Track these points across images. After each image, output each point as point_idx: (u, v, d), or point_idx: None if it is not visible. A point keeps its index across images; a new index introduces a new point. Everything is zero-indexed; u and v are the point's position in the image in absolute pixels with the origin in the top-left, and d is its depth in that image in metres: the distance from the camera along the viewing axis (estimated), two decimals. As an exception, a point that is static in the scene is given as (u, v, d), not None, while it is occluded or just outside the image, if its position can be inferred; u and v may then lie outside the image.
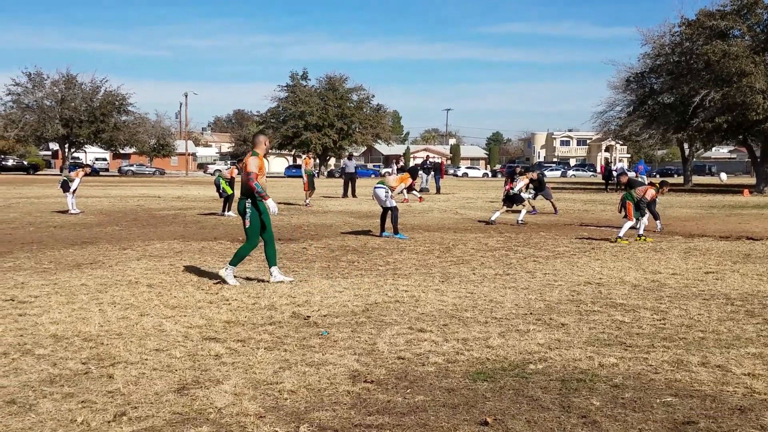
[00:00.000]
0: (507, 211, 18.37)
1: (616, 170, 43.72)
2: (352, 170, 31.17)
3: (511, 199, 17.81)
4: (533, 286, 8.83)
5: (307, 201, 23.94)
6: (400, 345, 5.98)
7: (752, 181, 45.05)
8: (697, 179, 60.23)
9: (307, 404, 4.55)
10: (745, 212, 22.31)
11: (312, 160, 24.93)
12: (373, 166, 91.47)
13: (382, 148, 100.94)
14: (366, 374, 5.17)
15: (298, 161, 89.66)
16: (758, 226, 17.03)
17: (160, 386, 4.88)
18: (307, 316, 7.02)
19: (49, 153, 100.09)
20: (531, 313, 7.23)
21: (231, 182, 19.84)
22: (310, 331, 6.45)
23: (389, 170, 17.68)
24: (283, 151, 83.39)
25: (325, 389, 4.84)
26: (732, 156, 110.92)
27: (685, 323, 6.73)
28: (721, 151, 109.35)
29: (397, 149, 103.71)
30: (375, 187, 14.64)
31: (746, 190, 36.86)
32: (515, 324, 6.74)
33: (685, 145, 53.10)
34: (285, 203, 24.91)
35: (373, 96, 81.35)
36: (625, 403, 4.57)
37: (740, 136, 42.15)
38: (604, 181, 43.42)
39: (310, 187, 24.31)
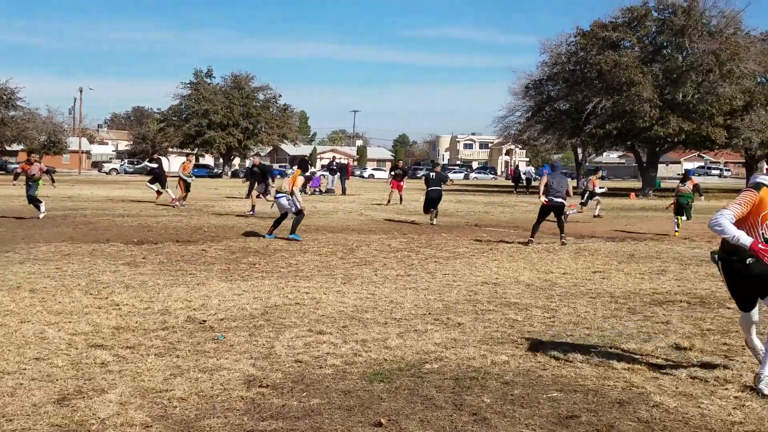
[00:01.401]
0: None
1: (524, 173, 45.15)
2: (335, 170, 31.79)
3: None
4: (433, 286, 8.97)
5: (179, 202, 22.83)
6: (299, 348, 5.96)
7: (638, 185, 47.30)
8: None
9: (197, 412, 4.45)
10: (631, 215, 23.44)
11: (191, 164, 23.96)
12: (279, 166, 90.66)
13: (289, 148, 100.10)
14: (261, 379, 5.11)
15: (202, 160, 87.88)
16: (642, 228, 17.92)
17: (39, 397, 4.65)
18: (203, 321, 6.87)
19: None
20: (429, 314, 7.34)
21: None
22: (206, 335, 6.32)
23: (291, 170, 17.35)
24: (186, 150, 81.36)
25: (218, 395, 4.75)
26: (621, 161, 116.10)
27: (572, 321, 7.02)
28: (611, 156, 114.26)
29: (303, 150, 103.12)
30: (276, 197, 14.45)
31: (632, 194, 38.68)
32: (414, 324, 6.83)
33: (579, 150, 55.32)
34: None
35: (280, 96, 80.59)
36: (514, 400, 4.71)
37: (628, 142, 44.24)
38: (513, 184, 44.80)
39: (186, 190, 23.32)
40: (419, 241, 14.26)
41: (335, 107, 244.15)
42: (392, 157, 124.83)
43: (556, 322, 6.99)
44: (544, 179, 14.01)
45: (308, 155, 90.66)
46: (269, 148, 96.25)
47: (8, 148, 77.83)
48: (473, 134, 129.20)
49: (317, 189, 33.46)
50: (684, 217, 16.83)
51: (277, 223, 14.39)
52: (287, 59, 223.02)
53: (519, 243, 13.98)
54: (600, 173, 22.31)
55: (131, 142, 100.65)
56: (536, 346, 6.07)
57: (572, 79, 42.06)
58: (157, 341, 6.10)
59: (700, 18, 38.16)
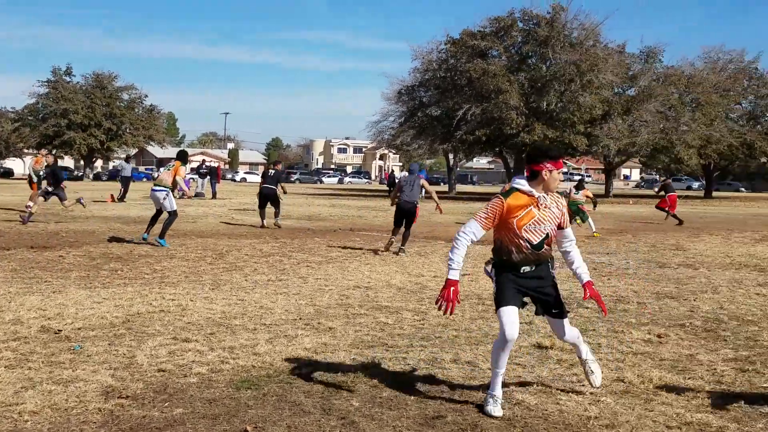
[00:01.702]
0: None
1: (399, 178, 45.86)
2: (129, 173, 30.18)
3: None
4: (305, 291, 8.92)
5: (30, 204, 20.87)
6: (162, 357, 5.75)
7: (507, 190, 49.16)
8: (460, 187, 64.67)
9: (50, 425, 4.20)
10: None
11: (44, 158, 21.51)
12: (146, 169, 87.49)
13: (156, 150, 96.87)
14: (121, 389, 4.89)
15: (61, 162, 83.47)
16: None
17: None
18: (58, 330, 6.50)
19: None
20: (300, 319, 7.29)
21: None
22: (61, 346, 5.98)
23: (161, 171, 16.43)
24: (43, 151, 76.97)
25: (73, 408, 4.50)
26: (491, 167, 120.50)
27: (441, 323, 7.16)
28: (481, 162, 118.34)
29: (171, 152, 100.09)
30: (153, 190, 13.80)
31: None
32: (284, 330, 6.75)
33: (450, 156, 56.87)
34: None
35: (146, 96, 77.87)
36: (383, 402, 4.75)
37: (497, 148, 45.92)
38: (388, 188, 45.50)
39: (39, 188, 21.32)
40: (291, 245, 14.16)
41: (205, 109, 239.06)
42: (265, 161, 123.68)
43: (426, 324, 7.11)
44: (399, 183, 13.53)
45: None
46: (135, 150, 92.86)
47: None
48: (347, 138, 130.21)
49: (200, 193, 32.63)
50: (579, 220, 18.15)
51: (153, 221, 13.76)
52: (154, 59, 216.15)
53: (379, 251, 13.29)
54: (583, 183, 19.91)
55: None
56: (406, 348, 6.14)
57: (443, 86, 43.19)
58: (8, 353, 5.70)
59: (562, 30, 40.15)
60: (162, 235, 13.28)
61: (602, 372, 5.21)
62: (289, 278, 9.93)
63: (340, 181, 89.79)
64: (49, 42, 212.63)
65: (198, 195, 32.81)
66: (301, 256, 12.37)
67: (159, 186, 13.68)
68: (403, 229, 13.11)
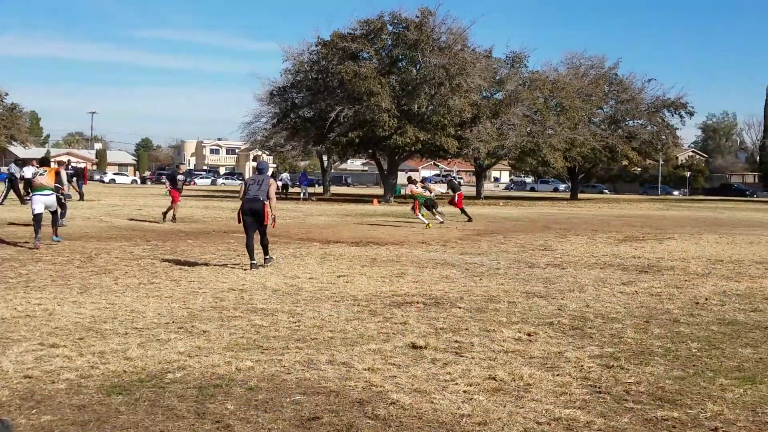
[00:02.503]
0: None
1: (281, 179, 45.80)
2: (29, 175, 28.81)
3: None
4: (177, 294, 8.83)
5: None
6: (29, 363, 5.60)
7: (381, 191, 49.83)
8: (335, 189, 65.00)
9: None
10: (373, 220, 24.73)
11: None
12: (7, 169, 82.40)
13: (18, 150, 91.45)
14: (-15, 398, 4.74)
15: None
16: (384, 233, 19.03)
17: None
18: None
19: None
20: (173, 322, 7.23)
21: None
22: None
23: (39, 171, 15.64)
24: None
25: (-67, 419, 4.33)
26: (365, 168, 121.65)
27: (317, 324, 7.30)
28: (355, 164, 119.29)
29: (35, 152, 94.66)
30: (41, 195, 13.81)
31: (375, 200, 40.79)
32: (156, 333, 6.69)
33: (324, 157, 56.99)
34: None
35: (7, 94, 73.68)
36: (258, 405, 4.83)
37: (370, 150, 46.45)
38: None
39: None
40: (164, 248, 13.89)
41: (70, 108, 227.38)
42: (135, 162, 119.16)
43: (302, 326, 7.22)
44: (243, 184, 11.93)
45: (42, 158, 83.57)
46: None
47: None
48: (219, 139, 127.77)
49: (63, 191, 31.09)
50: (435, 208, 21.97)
51: (39, 225, 13.68)
52: (13, 57, 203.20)
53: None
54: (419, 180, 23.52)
55: None
56: (281, 350, 6.23)
57: (315, 87, 43.21)
58: None
59: (431, 33, 41.04)
60: (56, 232, 14.35)
61: (472, 369, 5.49)
62: (162, 281, 9.79)
63: (213, 183, 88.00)
64: None
65: (65, 197, 31.32)
66: (173, 259, 12.17)
67: (46, 190, 13.91)
68: (258, 236, 11.52)
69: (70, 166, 32.58)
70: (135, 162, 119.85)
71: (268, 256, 11.64)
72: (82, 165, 43.11)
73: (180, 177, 21.44)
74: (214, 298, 8.64)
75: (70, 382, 5.16)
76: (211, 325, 7.14)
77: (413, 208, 21.64)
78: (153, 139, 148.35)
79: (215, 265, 11.67)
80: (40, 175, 14.23)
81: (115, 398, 4.86)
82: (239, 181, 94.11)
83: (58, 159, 37.26)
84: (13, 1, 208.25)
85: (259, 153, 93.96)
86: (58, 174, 14.47)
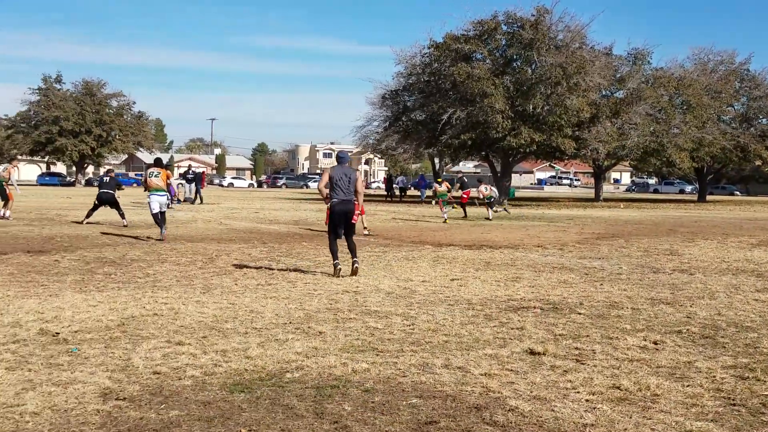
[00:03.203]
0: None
1: (398, 182, 46.33)
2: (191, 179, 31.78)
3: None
4: (294, 295, 9.02)
5: (5, 213, 20.55)
6: (157, 359, 5.85)
7: (494, 194, 49.27)
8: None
9: (51, 426, 4.31)
10: (487, 223, 24.47)
11: (15, 169, 21.83)
12: (135, 174, 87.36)
13: (144, 156, 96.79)
14: (118, 391, 5.00)
15: (52, 168, 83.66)
16: (498, 236, 18.79)
17: None
18: (56, 333, 6.60)
19: None
20: (290, 323, 7.39)
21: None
22: (59, 348, 6.08)
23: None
24: (36, 158, 76.88)
25: (73, 409, 4.61)
26: (477, 170, 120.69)
27: (431, 328, 7.27)
28: (467, 166, 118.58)
29: (160, 158, 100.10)
30: (157, 195, 15.63)
31: (489, 203, 40.28)
32: (274, 334, 6.86)
33: (436, 160, 56.98)
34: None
35: (134, 103, 78.19)
36: (375, 407, 4.86)
37: (483, 152, 46.00)
38: (386, 192, 46.17)
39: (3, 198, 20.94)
40: (280, 250, 14.26)
41: (192, 115, 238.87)
42: (252, 166, 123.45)
43: (416, 329, 7.21)
44: (325, 174, 10.92)
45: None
46: (124, 156, 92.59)
47: None
48: (332, 143, 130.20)
49: (176, 198, 32.56)
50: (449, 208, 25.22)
51: (161, 222, 15.67)
52: (142, 67, 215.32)
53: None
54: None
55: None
56: (396, 353, 6.24)
57: (427, 90, 43.22)
58: (8, 355, 5.81)
59: (547, 32, 40.16)
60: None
61: (595, 377, 5.31)
62: (278, 282, 10.04)
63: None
64: (37, 49, 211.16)
65: (186, 200, 32.85)
66: (289, 261, 12.47)
67: (161, 191, 15.75)
68: (344, 239, 10.97)
69: (191, 171, 34.11)
70: (252, 166, 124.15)
71: (356, 259, 10.90)
72: (201, 169, 44.98)
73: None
74: (329, 299, 8.78)
75: (196, 379, 5.37)
76: (326, 326, 7.25)
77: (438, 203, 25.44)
78: (269, 144, 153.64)
79: (329, 267, 11.85)
80: (155, 176, 15.66)
81: (237, 396, 5.01)
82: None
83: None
84: (154, 20, 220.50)
85: (371, 156, 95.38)
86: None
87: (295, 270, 11.36)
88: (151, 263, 11.64)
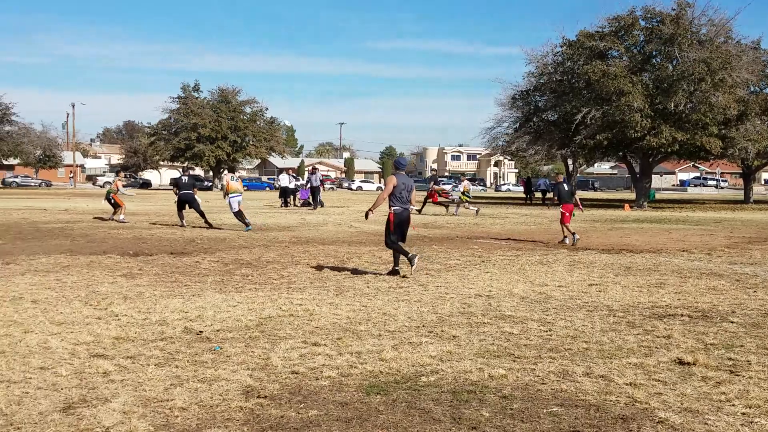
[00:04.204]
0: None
1: (539, 185, 45.64)
2: (317, 183, 32.39)
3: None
4: (425, 299, 8.99)
5: (121, 217, 22.06)
6: (294, 359, 5.97)
7: (632, 196, 47.41)
8: (581, 194, 62.97)
9: (198, 421, 4.47)
10: (625, 226, 23.52)
11: (121, 182, 23.91)
12: (268, 178, 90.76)
13: (276, 160, 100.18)
14: (259, 389, 5.13)
15: (192, 173, 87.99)
16: (638, 240, 17.99)
17: (45, 405, 4.69)
18: (200, 331, 6.89)
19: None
20: (423, 326, 7.35)
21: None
22: (203, 346, 6.33)
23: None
24: (176, 164, 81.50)
25: (218, 405, 4.77)
26: (614, 172, 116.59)
27: (570, 334, 7.02)
28: (603, 167, 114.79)
29: (291, 162, 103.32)
30: (238, 196, 18.89)
31: (627, 205, 38.81)
32: (408, 337, 6.84)
33: (569, 161, 55.47)
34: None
35: (267, 109, 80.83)
36: (514, 414, 4.72)
37: (620, 153, 44.31)
38: (525, 194, 45.76)
39: (114, 206, 22.55)
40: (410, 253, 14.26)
41: (321, 120, 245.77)
42: (380, 169, 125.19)
43: (553, 335, 6.99)
44: (391, 182, 10.76)
45: (296, 167, 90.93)
46: (257, 161, 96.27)
47: (5, 162, 78.30)
48: (460, 146, 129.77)
49: (307, 201, 33.40)
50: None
51: (242, 218, 18.68)
52: (273, 73, 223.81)
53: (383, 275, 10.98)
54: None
55: (123, 156, 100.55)
56: (534, 359, 6.07)
57: (560, 90, 42.13)
58: (156, 351, 6.12)
59: (689, 27, 38.18)
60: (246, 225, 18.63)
61: (751, 390, 4.94)
62: (410, 285, 10.04)
63: (453, 189, 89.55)
64: (176, 60, 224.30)
65: (305, 204, 33.49)
66: (419, 264, 12.43)
67: (237, 194, 18.97)
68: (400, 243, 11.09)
69: (317, 173, 34.74)
70: (380, 169, 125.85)
71: (397, 268, 10.96)
72: (319, 174, 45.93)
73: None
74: (461, 303, 8.68)
75: (332, 380, 5.43)
76: (460, 330, 7.16)
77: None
78: (396, 147, 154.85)
79: (461, 270, 11.76)
80: (234, 180, 19.37)
81: (374, 398, 5.02)
82: (480, 187, 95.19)
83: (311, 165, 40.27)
84: (270, 24, 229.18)
85: (501, 158, 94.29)
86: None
87: (426, 273, 11.33)
88: (285, 265, 11.97)
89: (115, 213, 22.36)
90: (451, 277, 10.97)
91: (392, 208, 10.86)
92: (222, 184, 19.65)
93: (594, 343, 6.67)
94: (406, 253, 10.93)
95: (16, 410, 4.59)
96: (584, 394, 5.16)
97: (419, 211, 28.09)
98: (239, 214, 18.83)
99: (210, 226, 19.55)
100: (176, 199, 20.33)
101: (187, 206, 20.22)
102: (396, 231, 10.93)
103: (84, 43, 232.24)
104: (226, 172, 32.38)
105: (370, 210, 11.23)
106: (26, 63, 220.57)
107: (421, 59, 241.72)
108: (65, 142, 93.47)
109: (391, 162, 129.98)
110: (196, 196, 20.35)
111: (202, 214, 20.04)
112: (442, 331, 7.12)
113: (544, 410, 4.80)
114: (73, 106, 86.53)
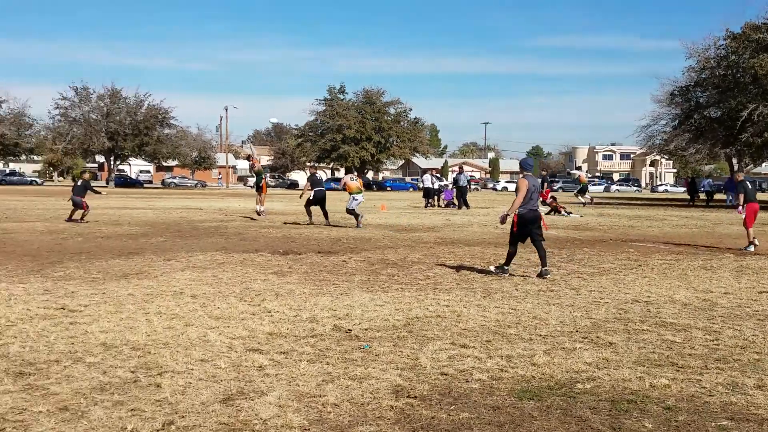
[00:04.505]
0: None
1: (704, 186, 43.37)
2: (464, 183, 32.52)
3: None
4: (578, 303, 8.67)
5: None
6: (443, 360, 5.91)
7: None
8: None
9: (350, 418, 4.51)
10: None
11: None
12: (411, 179, 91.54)
13: (420, 161, 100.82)
14: (409, 389, 5.11)
15: (337, 174, 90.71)
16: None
17: (206, 396, 4.90)
18: (349, 330, 6.98)
19: (96, 165, 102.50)
20: (577, 331, 7.08)
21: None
22: (352, 344, 6.41)
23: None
24: (321, 165, 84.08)
25: (369, 403, 4.79)
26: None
27: (739, 344, 6.52)
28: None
29: (434, 162, 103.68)
30: (359, 195, 19.85)
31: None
32: (561, 342, 6.61)
33: (734, 161, 52.04)
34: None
35: (411, 109, 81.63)
36: (679, 426, 4.42)
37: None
38: (689, 196, 43.66)
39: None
40: (560, 255, 13.86)
41: (465, 120, 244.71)
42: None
43: (720, 345, 6.51)
44: (524, 185, 10.74)
45: (440, 168, 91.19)
46: (401, 162, 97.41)
47: (164, 164, 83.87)
48: (613, 144, 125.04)
49: (451, 202, 33.30)
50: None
51: (356, 214, 19.78)
52: (417, 74, 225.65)
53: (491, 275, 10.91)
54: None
55: (272, 157, 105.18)
56: (699, 370, 5.67)
57: (723, 85, 39.58)
58: (308, 348, 6.25)
59: None
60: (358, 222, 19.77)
61: None
62: (561, 289, 9.72)
63: (607, 189, 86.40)
64: (322, 63, 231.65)
65: (449, 204, 33.34)
66: (571, 267, 12.05)
67: (358, 193, 19.93)
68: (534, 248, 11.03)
69: (464, 173, 34.49)
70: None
71: (546, 268, 10.74)
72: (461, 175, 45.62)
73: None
74: (617, 309, 8.28)
75: (483, 383, 5.31)
76: (617, 337, 6.82)
77: None
78: (543, 147, 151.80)
79: (615, 274, 11.25)
80: (354, 180, 20.50)
81: (526, 403, 4.86)
82: (635, 188, 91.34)
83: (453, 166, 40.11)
84: (414, 24, 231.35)
85: (657, 158, 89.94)
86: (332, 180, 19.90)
87: (578, 276, 10.94)
88: (431, 266, 11.95)
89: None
90: (605, 281, 10.52)
91: (519, 210, 10.82)
92: (343, 184, 20.74)
93: (767, 354, 6.15)
94: (508, 263, 11.05)
95: (180, 399, 4.82)
96: (756, 407, 4.77)
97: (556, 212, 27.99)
98: (353, 212, 19.85)
99: (328, 223, 20.37)
100: (310, 197, 20.81)
101: (317, 205, 20.71)
102: (520, 232, 10.86)
103: (238, 49, 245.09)
104: (344, 173, 33.02)
105: (506, 214, 11.10)
106: (185, 69, 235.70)
107: (569, 55, 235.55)
108: (218, 144, 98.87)
109: (537, 162, 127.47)
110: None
111: (326, 213, 20.65)
112: (598, 337, 6.82)
113: (713, 424, 4.47)
114: (227, 110, 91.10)
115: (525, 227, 10.81)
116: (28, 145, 71.58)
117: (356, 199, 19.85)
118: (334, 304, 8.26)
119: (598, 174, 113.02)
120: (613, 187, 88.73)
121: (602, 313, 8.05)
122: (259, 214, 23.76)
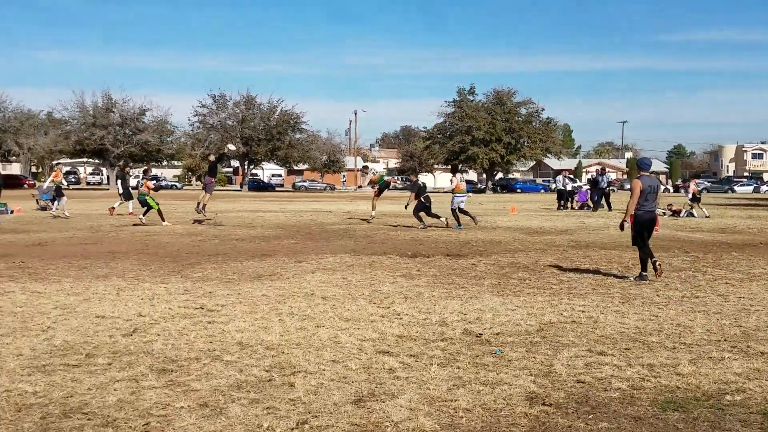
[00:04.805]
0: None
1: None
2: (605, 185, 32.01)
3: None
4: (726, 310, 8.13)
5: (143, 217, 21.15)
6: (579, 368, 5.69)
7: None
8: None
9: (483, 424, 4.42)
10: None
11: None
12: (543, 180, 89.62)
13: (552, 162, 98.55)
14: (544, 397, 4.95)
15: (466, 176, 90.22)
16: None
17: (338, 397, 4.94)
18: (479, 334, 6.87)
19: (231, 170, 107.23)
20: (725, 340, 6.65)
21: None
22: (483, 349, 6.30)
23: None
24: (449, 167, 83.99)
25: (501, 410, 4.68)
26: None
27: None
28: None
29: (568, 163, 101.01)
30: (463, 196, 20.01)
31: None
32: (707, 351, 6.22)
33: None
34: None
35: (543, 109, 79.77)
36: (844, 446, 4.02)
37: None
38: None
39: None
40: (705, 260, 13.09)
41: (601, 119, 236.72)
42: (667, 170, 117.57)
43: None
44: (637, 186, 10.50)
45: (573, 169, 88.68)
46: (532, 163, 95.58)
47: (295, 168, 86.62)
48: (763, 143, 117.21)
49: (585, 203, 32.28)
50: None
51: (457, 216, 19.84)
52: (549, 72, 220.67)
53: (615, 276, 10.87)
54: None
55: (400, 160, 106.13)
56: None
57: None
58: (438, 351, 6.20)
59: None
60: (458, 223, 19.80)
61: None
62: (706, 295, 9.16)
63: (756, 190, 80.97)
64: (450, 64, 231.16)
65: (584, 207, 32.24)
66: (717, 272, 11.35)
67: (462, 194, 20.05)
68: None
69: (605, 175, 33.18)
70: (667, 170, 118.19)
71: (645, 273, 10.51)
72: (614, 175, 43.93)
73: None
74: (770, 316, 7.70)
75: (623, 392, 5.07)
76: (771, 346, 6.33)
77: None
78: (686, 146, 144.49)
79: (767, 280, 10.47)
80: (462, 181, 20.49)
81: (671, 414, 4.59)
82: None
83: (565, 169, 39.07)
84: (546, 21, 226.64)
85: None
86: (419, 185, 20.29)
87: (725, 282, 10.27)
88: (565, 270, 11.59)
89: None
90: (756, 287, 9.82)
91: (636, 212, 10.55)
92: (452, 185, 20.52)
93: None
94: (651, 256, 10.61)
95: (313, 399, 4.89)
96: None
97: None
98: (455, 212, 19.97)
99: (422, 224, 20.18)
100: (419, 201, 20.73)
101: (423, 210, 20.46)
102: (638, 234, 10.61)
103: (365, 54, 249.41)
104: (452, 173, 32.65)
105: (624, 220, 10.70)
106: (313, 75, 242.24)
107: (710, 49, 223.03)
108: (347, 147, 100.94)
109: (679, 162, 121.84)
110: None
111: (435, 215, 20.52)
112: (748, 346, 6.37)
113: None
114: (356, 113, 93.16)
115: (641, 228, 10.56)
116: (169, 151, 75.86)
117: (461, 200, 20.02)
118: (463, 308, 8.17)
119: (746, 174, 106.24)
120: (763, 188, 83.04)
121: (753, 321, 7.52)
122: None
